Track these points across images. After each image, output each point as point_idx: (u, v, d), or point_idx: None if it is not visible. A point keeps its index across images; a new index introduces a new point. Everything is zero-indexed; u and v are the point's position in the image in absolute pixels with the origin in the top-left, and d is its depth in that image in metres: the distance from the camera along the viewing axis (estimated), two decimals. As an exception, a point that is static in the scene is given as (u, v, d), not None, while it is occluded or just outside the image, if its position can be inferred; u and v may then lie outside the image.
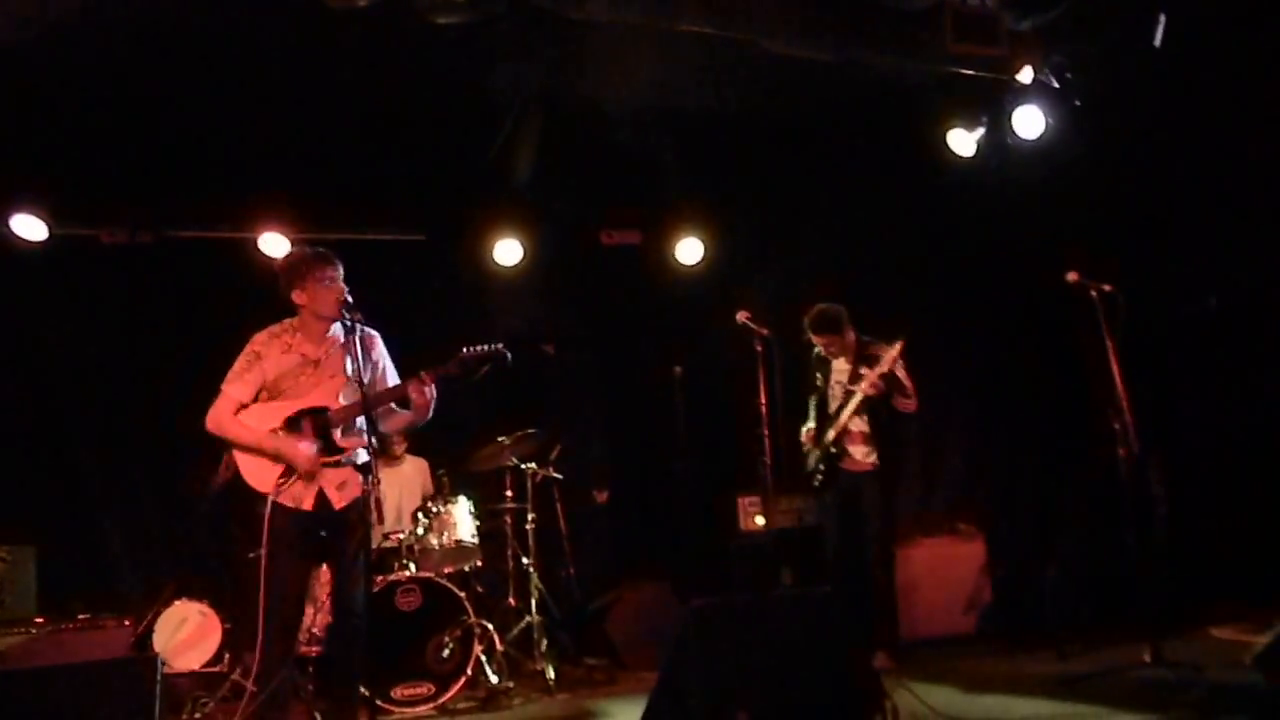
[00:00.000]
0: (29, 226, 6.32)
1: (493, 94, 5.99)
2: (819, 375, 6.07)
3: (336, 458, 4.22)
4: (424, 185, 7.01)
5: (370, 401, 4.06)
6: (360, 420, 4.12)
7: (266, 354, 4.25)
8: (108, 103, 5.81)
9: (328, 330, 4.32)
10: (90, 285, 6.75)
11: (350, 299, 4.16)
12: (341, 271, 4.26)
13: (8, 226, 6.28)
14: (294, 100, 5.96)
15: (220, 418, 4.20)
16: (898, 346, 5.66)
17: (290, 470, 4.14)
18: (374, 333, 4.40)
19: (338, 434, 4.24)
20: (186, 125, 6.07)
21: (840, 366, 5.98)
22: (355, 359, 4.09)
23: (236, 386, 4.22)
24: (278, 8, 5.06)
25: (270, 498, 4.10)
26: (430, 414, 4.34)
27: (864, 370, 5.77)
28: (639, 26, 5.18)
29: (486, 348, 4.32)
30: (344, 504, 4.23)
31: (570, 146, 6.60)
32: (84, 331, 6.68)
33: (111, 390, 6.63)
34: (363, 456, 4.19)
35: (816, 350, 6.05)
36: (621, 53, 5.49)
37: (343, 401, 4.25)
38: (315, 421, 4.20)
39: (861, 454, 5.86)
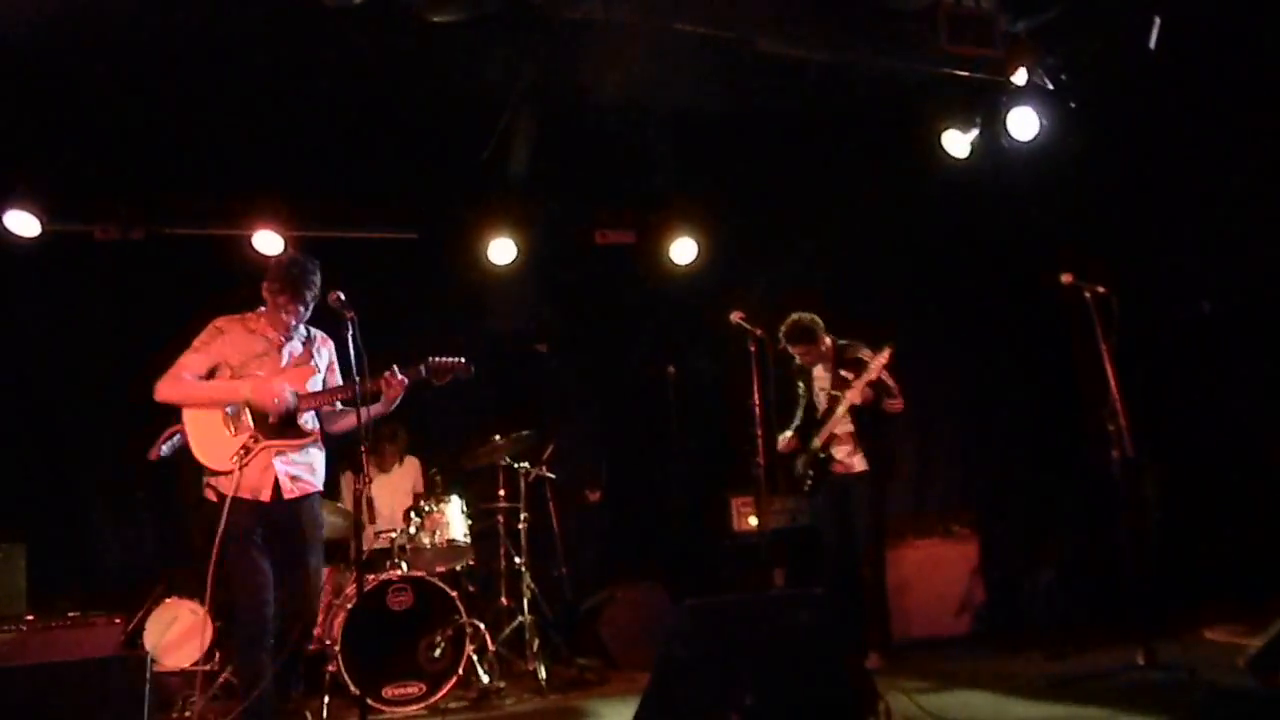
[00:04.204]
0: (22, 222, 6.30)
1: (487, 92, 5.98)
2: (800, 384, 6.05)
3: (298, 442, 4.23)
4: (418, 183, 6.99)
5: (360, 392, 4.10)
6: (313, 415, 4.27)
7: (229, 330, 4.28)
8: (102, 99, 5.78)
9: (293, 323, 4.37)
10: (83, 282, 6.73)
11: (343, 296, 4.16)
12: (312, 298, 4.30)
13: (1, 222, 6.25)
14: (288, 98, 5.96)
15: (174, 381, 4.16)
16: (886, 354, 5.60)
17: (247, 449, 4.11)
18: (328, 336, 4.50)
19: (304, 420, 4.28)
20: (181, 122, 6.05)
21: (820, 374, 5.96)
22: (350, 355, 4.08)
23: (193, 357, 4.23)
24: (272, 5, 5.04)
25: (227, 494, 4.07)
26: (393, 408, 4.40)
27: (846, 374, 5.73)
28: (634, 25, 5.17)
29: (452, 361, 4.42)
30: (295, 495, 4.22)
31: (565, 145, 6.59)
32: (76, 328, 6.66)
33: (103, 387, 6.59)
34: (317, 457, 4.34)
35: (795, 362, 6.04)
36: (616, 51, 5.48)
37: (310, 389, 4.29)
38: None
39: (849, 457, 5.83)
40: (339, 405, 4.43)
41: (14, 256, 6.39)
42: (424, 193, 7.12)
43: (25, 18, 4.88)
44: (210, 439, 4.15)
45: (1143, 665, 4.62)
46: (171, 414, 4.30)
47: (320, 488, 4.41)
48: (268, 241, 6.58)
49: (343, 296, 4.15)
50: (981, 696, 4.69)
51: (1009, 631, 6.41)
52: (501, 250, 7.23)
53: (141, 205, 6.65)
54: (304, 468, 4.30)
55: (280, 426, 4.21)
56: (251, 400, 4.14)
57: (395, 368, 4.30)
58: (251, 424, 4.18)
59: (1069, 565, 6.77)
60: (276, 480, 4.18)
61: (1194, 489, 6.77)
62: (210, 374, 4.25)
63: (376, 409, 4.37)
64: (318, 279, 4.30)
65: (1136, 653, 4.67)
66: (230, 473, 4.09)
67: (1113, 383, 4.80)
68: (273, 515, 4.16)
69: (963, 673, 5.31)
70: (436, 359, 4.40)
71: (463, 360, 4.44)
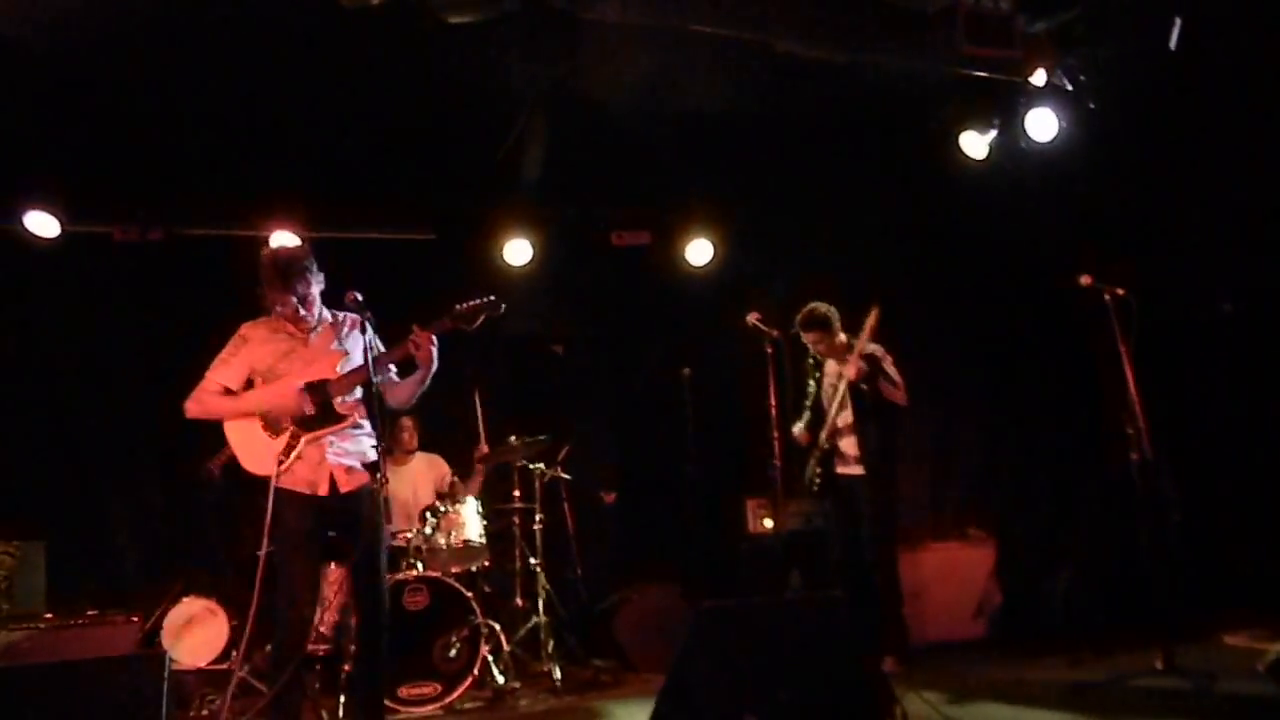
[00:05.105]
0: (42, 223, 6.34)
1: (503, 93, 5.99)
2: (812, 381, 6.04)
3: (339, 426, 4.18)
4: (434, 184, 7.00)
5: (374, 367, 4.11)
6: (359, 390, 4.18)
7: (252, 337, 4.26)
8: (120, 100, 5.82)
9: (313, 323, 4.34)
10: (102, 282, 6.76)
11: (360, 297, 4.17)
12: (309, 288, 4.24)
13: (21, 223, 6.30)
14: (306, 99, 5.97)
15: (199, 397, 4.18)
16: (872, 316, 5.56)
17: (291, 446, 4.10)
18: (356, 316, 4.40)
19: (339, 402, 4.22)
20: (199, 123, 6.08)
21: (831, 369, 5.95)
22: (344, 338, 4.12)
23: (220, 370, 4.22)
24: (290, 6, 5.06)
25: (274, 485, 4.05)
26: (435, 365, 4.25)
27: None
28: (651, 27, 5.16)
29: (479, 301, 4.29)
30: (351, 488, 4.19)
31: (580, 146, 6.59)
32: (95, 328, 6.69)
33: (121, 387, 6.64)
34: (367, 444, 4.25)
35: (810, 358, 6.02)
36: (632, 53, 5.47)
37: (341, 372, 4.25)
38: (315, 394, 4.19)
39: (853, 449, 5.79)
40: (394, 377, 4.37)
41: (34, 257, 6.43)
42: (440, 194, 7.13)
43: (44, 20, 4.92)
44: (253, 446, 4.15)
45: (1161, 670, 4.59)
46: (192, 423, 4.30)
47: (375, 485, 4.31)
48: (285, 242, 6.59)
49: (359, 297, 4.16)
50: (998, 702, 4.67)
51: (1026, 636, 6.37)
52: (517, 251, 7.23)
53: (160, 206, 6.68)
54: (356, 458, 4.25)
55: (319, 415, 4.18)
56: (268, 411, 4.13)
57: (416, 326, 4.20)
58: (291, 421, 4.17)
59: (1087, 569, 6.72)
60: (332, 475, 4.15)
61: (1214, 492, 6.71)
62: (248, 382, 4.24)
63: (419, 374, 4.28)
64: (308, 264, 4.25)
65: (1155, 658, 4.65)
66: (281, 473, 4.09)
67: (1132, 385, 4.77)
68: (331, 510, 4.14)
69: (980, 677, 5.28)
70: (462, 304, 4.28)
71: (491, 298, 4.31)
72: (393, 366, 4.36)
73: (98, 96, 5.76)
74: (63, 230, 6.41)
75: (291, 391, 4.14)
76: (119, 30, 5.12)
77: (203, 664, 5.64)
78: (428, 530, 5.75)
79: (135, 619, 5.58)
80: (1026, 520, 7.40)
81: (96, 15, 4.93)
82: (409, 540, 5.72)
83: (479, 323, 4.29)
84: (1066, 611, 6.60)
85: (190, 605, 5.70)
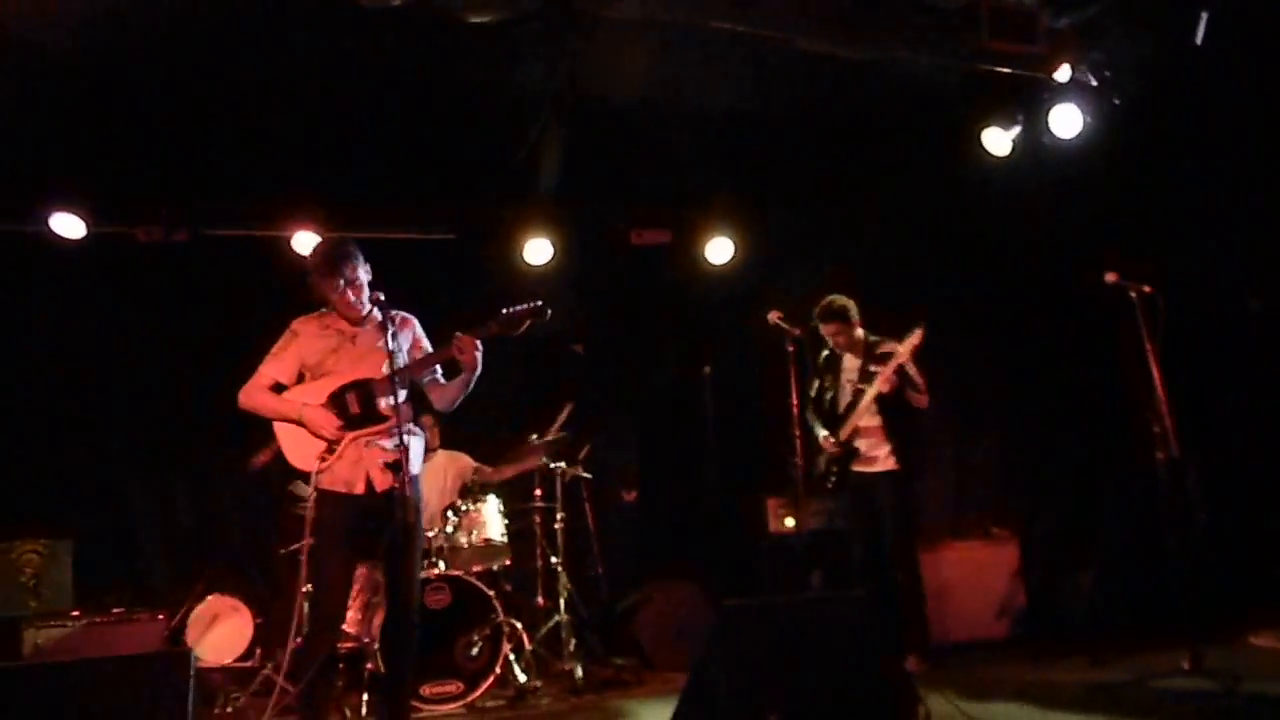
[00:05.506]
0: (67, 224, 6.40)
1: (523, 93, 5.99)
2: (828, 376, 6.00)
3: (381, 427, 4.17)
4: (455, 185, 7.02)
5: (412, 367, 4.16)
6: (404, 392, 4.17)
7: (303, 331, 4.30)
8: (144, 103, 5.86)
9: (363, 312, 4.34)
10: (127, 282, 6.81)
11: (384, 297, 4.18)
12: (355, 273, 4.24)
13: (47, 224, 6.36)
14: (327, 100, 5.99)
15: (249, 389, 4.24)
16: (916, 336, 5.52)
17: (333, 446, 4.13)
18: (409, 316, 4.43)
19: (382, 403, 4.21)
20: (222, 125, 6.11)
21: (849, 364, 5.91)
22: (391, 338, 4.13)
23: (271, 364, 4.27)
24: (311, 7, 5.08)
25: (313, 488, 4.09)
26: (480, 369, 4.22)
27: (875, 368, 5.69)
28: (671, 24, 5.15)
29: (526, 306, 4.24)
30: (386, 487, 4.17)
31: (600, 146, 6.59)
32: (120, 328, 6.76)
33: (147, 386, 6.70)
34: (413, 443, 4.23)
35: (824, 353, 5.99)
36: (652, 50, 5.46)
37: (386, 372, 4.23)
38: (360, 394, 4.20)
39: (874, 451, 5.77)
40: (440, 378, 4.38)
41: (59, 258, 6.50)
42: (461, 194, 7.15)
43: (68, 23, 4.96)
44: (297, 442, 4.18)
45: (1188, 671, 4.54)
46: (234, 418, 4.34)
47: (415, 473, 4.29)
48: (307, 242, 6.63)
49: (382, 297, 4.18)
50: (1021, 702, 4.64)
51: (1050, 636, 6.33)
52: (537, 251, 7.24)
53: (184, 207, 6.73)
54: (395, 454, 4.18)
55: (361, 415, 4.19)
56: (305, 423, 4.16)
57: (460, 332, 4.18)
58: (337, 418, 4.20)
59: (1112, 568, 6.66)
60: (368, 474, 4.16)
61: (1241, 491, 6.64)
62: (301, 377, 4.28)
63: (463, 377, 4.26)
64: (355, 253, 4.27)
65: (1181, 659, 4.60)
66: (322, 472, 4.12)
67: (1158, 383, 4.73)
68: (368, 509, 4.13)
69: (1004, 678, 5.25)
70: (508, 310, 4.24)
71: (538, 303, 4.25)
72: (438, 367, 4.38)
73: (122, 99, 5.80)
74: (88, 231, 6.47)
75: (330, 420, 4.16)
76: (141, 33, 5.16)
77: (227, 661, 5.69)
78: (449, 529, 5.77)
79: (161, 616, 5.65)
80: (1050, 519, 7.35)
81: (120, 18, 4.97)
82: (430, 539, 5.74)
83: (525, 328, 4.25)
84: (1090, 611, 6.54)
85: (215, 603, 5.75)
